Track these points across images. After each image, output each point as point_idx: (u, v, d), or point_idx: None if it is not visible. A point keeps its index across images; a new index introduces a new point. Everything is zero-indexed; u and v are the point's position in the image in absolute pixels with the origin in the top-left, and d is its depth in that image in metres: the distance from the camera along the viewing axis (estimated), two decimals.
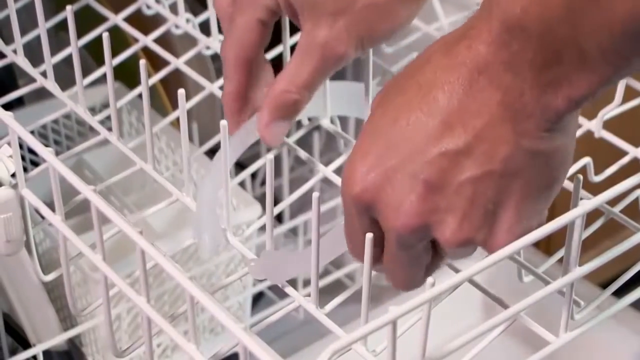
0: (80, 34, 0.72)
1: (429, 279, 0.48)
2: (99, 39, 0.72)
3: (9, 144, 0.65)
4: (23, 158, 1.07)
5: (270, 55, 0.82)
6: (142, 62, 0.64)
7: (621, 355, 1.03)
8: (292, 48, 0.74)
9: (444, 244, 0.50)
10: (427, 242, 0.51)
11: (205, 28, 0.84)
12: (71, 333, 0.90)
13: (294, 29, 0.78)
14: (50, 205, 0.63)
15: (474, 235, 0.49)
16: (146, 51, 0.86)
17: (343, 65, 0.61)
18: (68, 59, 0.77)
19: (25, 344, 0.90)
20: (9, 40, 0.80)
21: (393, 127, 0.49)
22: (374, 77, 0.77)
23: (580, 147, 0.88)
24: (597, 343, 0.97)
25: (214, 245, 0.61)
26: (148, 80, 0.65)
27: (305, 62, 0.60)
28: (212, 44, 0.82)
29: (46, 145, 0.62)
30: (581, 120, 0.76)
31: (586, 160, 0.72)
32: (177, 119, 0.65)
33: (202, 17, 0.85)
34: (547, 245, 1.15)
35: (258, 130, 0.62)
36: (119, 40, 0.95)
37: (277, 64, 0.77)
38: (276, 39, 0.78)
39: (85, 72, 0.74)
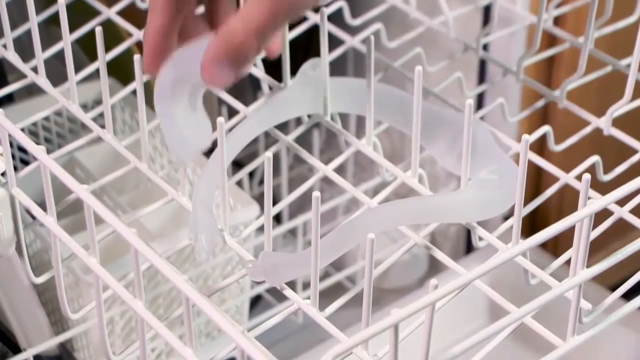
0: (72, 28, 0.73)
1: (432, 281, 0.48)
2: (91, 33, 0.72)
3: None
4: (13, 156, 1.07)
5: None
6: (137, 57, 0.65)
7: (622, 354, 1.04)
8: (292, 44, 0.74)
9: None
10: None
11: None
12: (62, 337, 0.91)
13: (292, 24, 0.79)
14: (42, 205, 0.63)
15: None
16: (140, 46, 0.86)
17: (300, 14, 0.59)
18: (59, 54, 0.77)
19: (15, 349, 0.90)
20: None
21: None
22: (376, 72, 0.77)
23: (588, 144, 0.89)
24: (597, 341, 0.98)
25: (210, 247, 0.61)
26: (142, 76, 0.66)
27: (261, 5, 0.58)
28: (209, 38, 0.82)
29: (37, 143, 0.62)
30: (590, 117, 0.77)
31: (595, 158, 0.72)
32: None
33: (197, 11, 0.85)
34: (554, 247, 1.15)
35: (201, 65, 0.59)
36: (113, 34, 0.95)
37: (277, 61, 0.78)
38: None
39: (77, 68, 0.74)
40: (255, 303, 1.16)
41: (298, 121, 0.75)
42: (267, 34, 0.58)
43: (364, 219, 0.61)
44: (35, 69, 0.77)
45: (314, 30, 0.79)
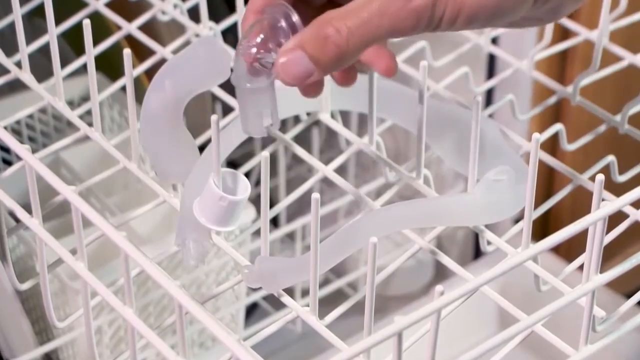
0: (57, 20, 0.73)
1: (438, 287, 0.49)
2: (78, 26, 0.72)
3: None
4: None
5: None
6: (126, 52, 0.65)
7: (622, 353, 1.04)
8: None
9: None
10: None
11: (194, 14, 0.84)
12: (48, 347, 0.91)
13: None
14: (26, 208, 0.63)
15: None
16: (130, 39, 0.86)
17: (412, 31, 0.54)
18: (44, 48, 0.78)
19: None
20: None
21: None
22: None
23: (603, 143, 0.89)
24: None
25: (199, 253, 0.62)
26: (132, 71, 0.66)
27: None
28: (202, 31, 0.83)
29: (20, 142, 0.63)
30: (604, 114, 0.77)
31: (609, 158, 0.73)
32: None
33: (190, 3, 0.85)
34: (567, 251, 1.15)
35: (279, 51, 0.55)
36: (101, 27, 0.95)
37: None
38: None
39: (63, 63, 0.75)
40: (252, 311, 1.16)
41: (296, 119, 0.75)
42: (367, 35, 0.54)
43: (366, 222, 0.61)
44: (19, 64, 0.77)
45: None
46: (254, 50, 0.57)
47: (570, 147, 0.77)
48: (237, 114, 0.75)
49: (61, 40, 0.99)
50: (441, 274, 1.23)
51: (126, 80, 0.66)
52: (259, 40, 0.57)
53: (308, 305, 0.59)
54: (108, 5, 0.85)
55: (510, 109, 0.81)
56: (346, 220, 1.19)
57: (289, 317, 0.60)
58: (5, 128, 0.66)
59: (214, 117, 0.58)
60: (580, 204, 1.18)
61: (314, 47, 0.54)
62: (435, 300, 0.48)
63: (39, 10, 0.79)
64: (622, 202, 0.54)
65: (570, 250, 1.16)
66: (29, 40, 0.77)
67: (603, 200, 0.56)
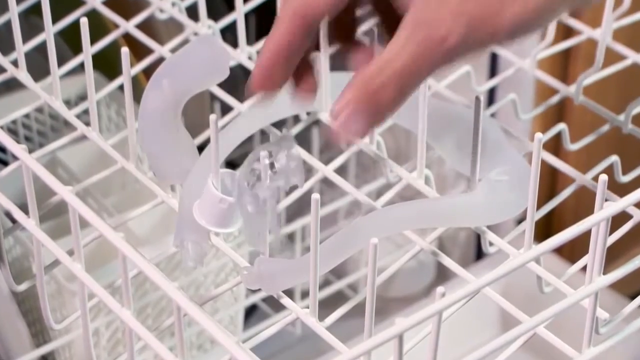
0: (54, 18, 0.73)
1: (439, 289, 0.49)
2: (75, 24, 0.72)
3: None
4: None
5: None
6: (124, 50, 0.65)
7: (621, 353, 1.04)
8: None
9: None
10: None
11: (192, 12, 0.84)
12: (44, 349, 0.91)
13: None
14: (23, 208, 0.63)
15: None
16: (128, 38, 0.86)
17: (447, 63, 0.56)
18: (41, 47, 0.78)
19: None
20: None
21: None
22: None
23: (606, 143, 0.89)
24: None
25: (197, 254, 0.62)
26: (130, 70, 0.66)
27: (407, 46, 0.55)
28: (201, 30, 0.83)
29: (17, 142, 0.63)
30: (608, 114, 0.77)
31: (613, 158, 0.73)
32: None
33: (189, 1, 0.85)
34: (570, 252, 1.15)
35: (331, 111, 0.57)
36: (98, 25, 0.95)
37: None
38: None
39: (60, 61, 0.75)
40: (251, 313, 1.16)
41: (296, 118, 0.75)
42: (408, 83, 0.56)
43: (366, 223, 0.61)
44: (15, 63, 0.77)
45: None
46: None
47: (573, 147, 0.77)
48: (237, 114, 0.75)
49: (58, 38, 0.99)
50: (442, 275, 1.23)
51: (124, 79, 0.66)
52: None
53: (308, 307, 0.59)
54: (105, 3, 0.85)
55: (512, 109, 0.81)
56: (346, 221, 1.19)
57: (288, 319, 0.60)
58: (2, 127, 0.66)
59: (212, 117, 0.58)
60: (583, 204, 1.18)
61: (364, 103, 0.56)
62: (437, 301, 0.48)
63: (36, 9, 0.79)
64: (625, 202, 0.54)
65: (573, 251, 1.16)
66: (25, 39, 0.77)
67: (606, 200, 0.56)
